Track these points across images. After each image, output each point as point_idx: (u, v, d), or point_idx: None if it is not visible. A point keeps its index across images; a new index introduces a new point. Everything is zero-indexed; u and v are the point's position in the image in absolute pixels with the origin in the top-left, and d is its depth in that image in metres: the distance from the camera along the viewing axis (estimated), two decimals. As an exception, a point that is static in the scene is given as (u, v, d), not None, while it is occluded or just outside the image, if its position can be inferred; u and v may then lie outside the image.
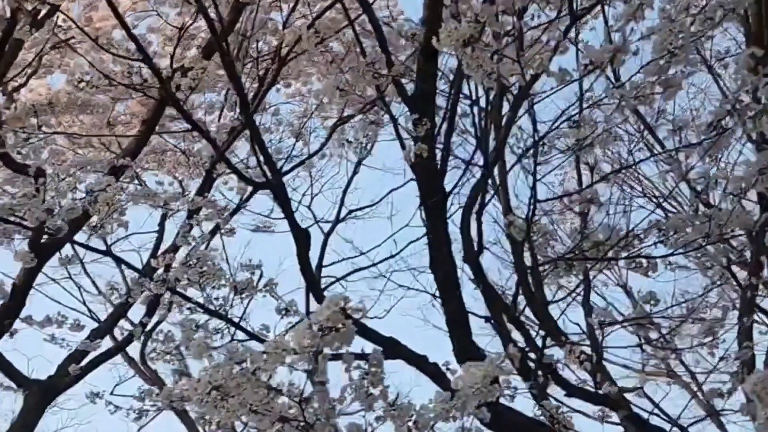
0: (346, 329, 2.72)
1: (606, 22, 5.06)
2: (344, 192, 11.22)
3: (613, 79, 5.58)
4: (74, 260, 5.57)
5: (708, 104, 10.21)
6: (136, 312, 10.03)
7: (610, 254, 4.94)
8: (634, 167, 7.62)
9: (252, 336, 5.69)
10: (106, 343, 9.00)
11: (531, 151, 4.61)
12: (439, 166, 4.65)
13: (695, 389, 10.63)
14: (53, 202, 4.96)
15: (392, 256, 11.36)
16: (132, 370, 10.89)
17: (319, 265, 10.18)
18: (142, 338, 10.95)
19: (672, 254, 4.35)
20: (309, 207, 11.66)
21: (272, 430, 3.04)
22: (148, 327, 7.75)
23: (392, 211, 13.29)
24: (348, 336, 2.75)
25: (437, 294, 5.12)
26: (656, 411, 6.42)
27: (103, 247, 6.33)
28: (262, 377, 2.85)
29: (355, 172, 11.52)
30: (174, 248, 8.64)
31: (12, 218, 4.81)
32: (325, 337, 2.71)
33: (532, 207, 4.43)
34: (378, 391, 2.94)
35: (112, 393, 10.55)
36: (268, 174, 5.42)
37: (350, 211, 11.66)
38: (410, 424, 3.02)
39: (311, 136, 10.55)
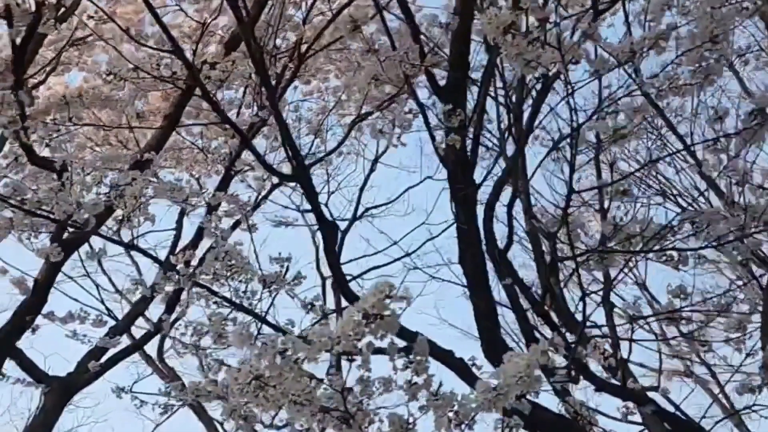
0: (391, 317, 2.69)
1: (626, 16, 5.03)
2: (361, 190, 11.24)
3: (633, 73, 5.56)
4: (101, 254, 5.54)
5: (725, 101, 10.16)
6: (153, 311, 10.08)
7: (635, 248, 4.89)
8: (656, 163, 7.52)
9: (278, 330, 5.67)
10: (124, 341, 9.00)
11: (563, 141, 4.57)
12: (469, 158, 4.61)
13: (717, 390, 10.56)
14: (79, 196, 4.94)
15: (409, 254, 11.36)
16: (149, 368, 10.88)
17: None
18: (159, 336, 11.03)
19: (706, 247, 4.31)
20: (326, 205, 11.67)
21: (311, 420, 3.01)
22: (171, 320, 7.76)
23: (408, 209, 13.30)
24: (393, 324, 2.71)
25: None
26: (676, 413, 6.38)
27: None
28: (304, 366, 2.82)
29: (372, 170, 11.55)
30: (194, 244, 8.65)
31: (40, 212, 4.79)
32: (369, 325, 2.68)
33: (568, 197, 4.38)
34: (422, 380, 2.91)
35: (131, 390, 10.59)
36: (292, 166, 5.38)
37: (367, 209, 11.68)
38: (451, 414, 2.98)
39: (328, 134, 10.56)
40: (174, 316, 8.62)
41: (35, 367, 8.19)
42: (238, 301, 5.24)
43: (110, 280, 11.38)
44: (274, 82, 8.49)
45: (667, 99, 3.93)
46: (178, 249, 9.32)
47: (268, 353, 2.80)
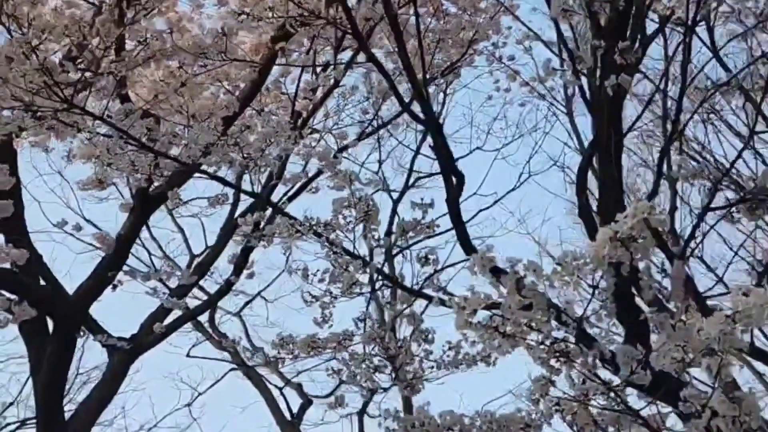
0: (647, 240, 2.59)
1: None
2: (413, 158, 11.19)
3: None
4: (224, 199, 5.44)
5: None
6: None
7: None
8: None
9: (393, 282, 5.60)
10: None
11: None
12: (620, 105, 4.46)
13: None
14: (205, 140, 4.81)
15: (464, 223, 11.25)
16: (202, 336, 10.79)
17: (389, 232, 10.06)
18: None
19: None
20: (376, 173, 11.57)
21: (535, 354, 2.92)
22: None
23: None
24: (648, 248, 2.62)
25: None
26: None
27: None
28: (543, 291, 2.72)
29: (423, 139, 11.45)
30: (262, 207, 8.54)
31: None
32: (624, 248, 2.58)
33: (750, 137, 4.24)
34: (683, 306, 2.81)
35: (188, 355, 10.51)
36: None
37: (418, 178, 11.59)
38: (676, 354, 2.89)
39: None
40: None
41: (99, 326, 8.08)
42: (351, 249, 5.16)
43: (159, 246, 11.29)
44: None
45: None
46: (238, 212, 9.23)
47: (509, 280, 2.70)
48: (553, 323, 2.86)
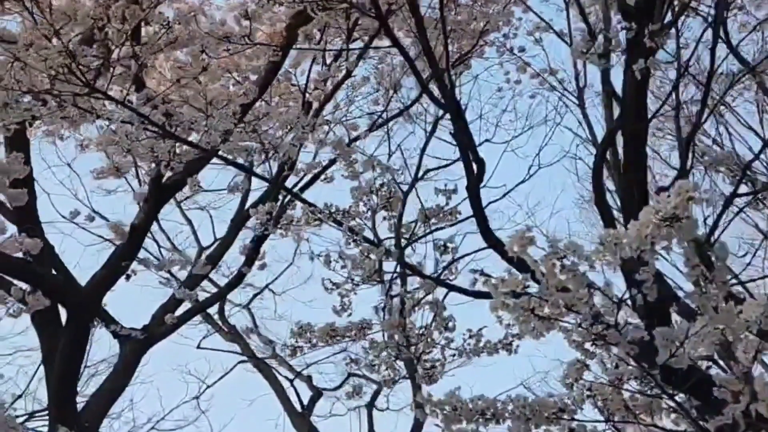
0: (689, 222, 2.56)
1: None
2: (422, 150, 11.11)
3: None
4: (245, 186, 5.42)
5: None
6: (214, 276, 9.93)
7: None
8: None
9: (413, 270, 5.57)
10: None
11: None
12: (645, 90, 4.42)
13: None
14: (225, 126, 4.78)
15: (471, 217, 11.21)
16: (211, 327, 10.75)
17: (398, 225, 10.02)
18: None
19: None
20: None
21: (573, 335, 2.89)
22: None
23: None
24: (690, 229, 2.58)
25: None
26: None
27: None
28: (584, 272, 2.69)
29: (432, 131, 11.39)
30: (275, 195, 8.50)
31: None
32: (667, 228, 2.54)
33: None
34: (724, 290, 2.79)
35: (198, 346, 10.47)
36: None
37: (427, 171, 11.51)
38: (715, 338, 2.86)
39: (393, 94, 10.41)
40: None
41: (111, 317, 8.04)
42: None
43: (168, 237, 11.24)
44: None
45: None
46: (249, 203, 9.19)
47: (549, 259, 2.67)
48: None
